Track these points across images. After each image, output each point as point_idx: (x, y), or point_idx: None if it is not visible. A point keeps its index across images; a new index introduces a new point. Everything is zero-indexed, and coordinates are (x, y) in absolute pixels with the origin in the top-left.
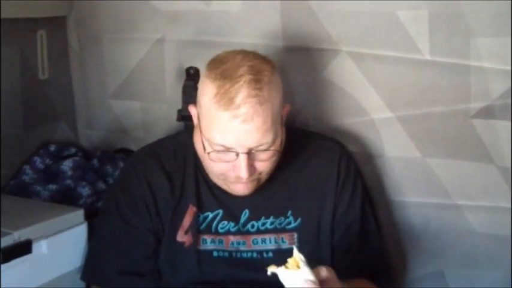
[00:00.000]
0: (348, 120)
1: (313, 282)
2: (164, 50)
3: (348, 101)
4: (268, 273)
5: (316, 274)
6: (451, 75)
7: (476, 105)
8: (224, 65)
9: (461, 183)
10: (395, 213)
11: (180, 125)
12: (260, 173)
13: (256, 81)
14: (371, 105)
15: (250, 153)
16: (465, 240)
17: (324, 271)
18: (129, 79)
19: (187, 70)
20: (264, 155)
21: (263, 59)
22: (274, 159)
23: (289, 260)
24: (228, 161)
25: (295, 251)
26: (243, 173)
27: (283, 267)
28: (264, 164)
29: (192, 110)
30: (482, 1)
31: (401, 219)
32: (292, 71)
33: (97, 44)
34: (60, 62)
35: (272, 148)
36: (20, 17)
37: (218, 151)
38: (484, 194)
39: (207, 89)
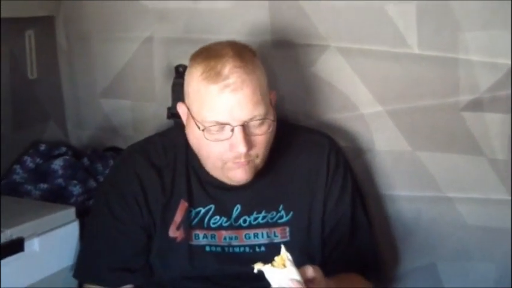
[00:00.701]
0: (338, 115)
1: (299, 281)
2: (153, 48)
3: (337, 95)
4: (255, 270)
5: (303, 273)
6: (440, 68)
7: (465, 98)
8: (207, 50)
9: (452, 176)
10: (386, 207)
11: (170, 122)
12: (257, 154)
13: (240, 56)
14: (360, 99)
15: (244, 127)
16: (457, 233)
17: (311, 270)
18: (119, 78)
19: (177, 68)
20: (258, 130)
21: (244, 45)
22: (268, 136)
23: (276, 259)
24: (224, 139)
25: (283, 250)
26: (241, 147)
27: (269, 265)
28: (260, 140)
29: (180, 107)
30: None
31: (393, 212)
32: (281, 66)
33: (86, 43)
34: (49, 61)
35: (266, 122)
36: (8, 17)
37: (213, 131)
38: (475, 186)
39: (193, 73)
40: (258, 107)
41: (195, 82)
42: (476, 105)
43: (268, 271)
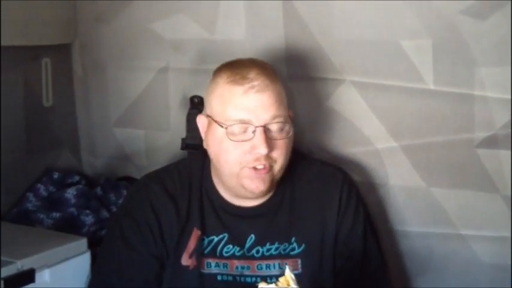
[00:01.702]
0: (352, 149)
1: None
2: (168, 78)
3: (352, 130)
4: None
5: None
6: (455, 104)
7: (480, 134)
8: (231, 62)
9: (466, 212)
10: (399, 243)
11: (184, 153)
12: (275, 160)
13: (263, 66)
14: (374, 134)
15: (266, 130)
16: (470, 270)
17: None
18: (133, 107)
19: (192, 99)
20: (278, 135)
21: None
22: (287, 142)
23: (281, 279)
24: (246, 140)
25: (287, 271)
26: (262, 148)
27: (273, 285)
28: (280, 144)
29: (199, 119)
30: (485, 30)
31: (405, 248)
32: (296, 99)
33: (101, 72)
34: (64, 89)
35: (285, 128)
36: (24, 45)
37: (235, 132)
38: (489, 223)
39: (218, 81)
40: (280, 111)
41: (219, 88)
42: (491, 142)
43: None
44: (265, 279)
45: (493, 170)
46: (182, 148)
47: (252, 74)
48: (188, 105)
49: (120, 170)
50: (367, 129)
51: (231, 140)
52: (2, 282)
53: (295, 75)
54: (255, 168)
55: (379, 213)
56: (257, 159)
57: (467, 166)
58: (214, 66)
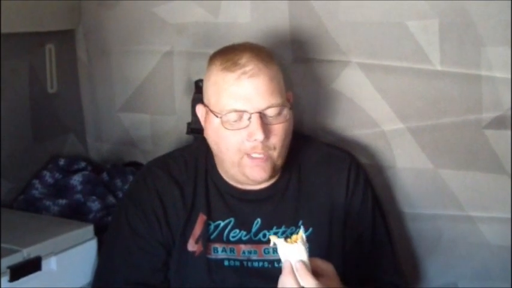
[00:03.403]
0: (358, 132)
1: (304, 262)
2: (173, 62)
3: (358, 112)
4: (271, 244)
5: (315, 264)
6: (462, 85)
7: (487, 115)
8: (225, 47)
9: (474, 194)
10: (407, 225)
11: (190, 137)
12: (274, 146)
13: (257, 49)
14: (381, 116)
15: (262, 116)
16: (478, 252)
17: (324, 264)
18: (138, 92)
19: (197, 83)
20: (275, 120)
21: (262, 46)
22: (285, 126)
23: (293, 236)
24: (242, 128)
25: (301, 230)
26: (259, 134)
27: (283, 239)
28: (277, 129)
29: (198, 109)
30: (492, 10)
31: (414, 231)
32: (301, 82)
33: (105, 57)
34: (69, 75)
35: (283, 112)
36: (28, 31)
37: (231, 121)
38: (497, 205)
39: (212, 67)
40: (275, 96)
41: (213, 75)
42: (499, 123)
43: (281, 245)
44: (272, 262)
45: (501, 151)
46: (188, 132)
47: (244, 59)
48: (193, 90)
49: (126, 156)
50: (374, 111)
51: (227, 128)
52: (9, 270)
53: (300, 58)
54: (253, 157)
55: (386, 196)
56: (254, 147)
57: (475, 147)
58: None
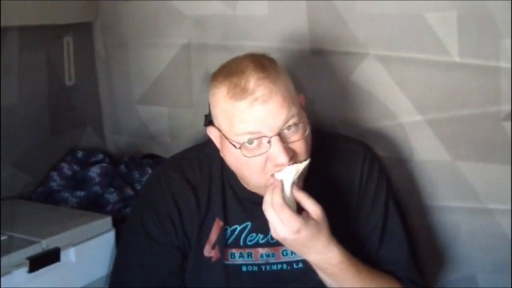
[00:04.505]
0: (376, 124)
1: (282, 184)
2: (190, 55)
3: (376, 104)
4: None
5: (301, 198)
6: (481, 77)
7: (506, 107)
8: (227, 67)
9: (493, 186)
10: (426, 218)
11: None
12: (298, 156)
13: (262, 66)
14: (399, 108)
15: (281, 136)
16: (497, 245)
17: (312, 205)
18: (156, 84)
19: None
20: (295, 136)
21: (262, 54)
22: (306, 141)
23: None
24: (262, 153)
25: (307, 162)
26: (282, 157)
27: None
28: (298, 146)
29: (210, 131)
30: (510, 1)
31: (432, 223)
32: (319, 74)
33: (123, 50)
34: (87, 67)
35: (300, 126)
36: (46, 24)
37: (249, 147)
38: None
39: (218, 94)
40: (291, 110)
41: (222, 102)
42: None
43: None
44: (291, 264)
45: None
46: (205, 125)
47: (252, 83)
48: (211, 82)
49: (144, 148)
50: (392, 103)
51: (247, 157)
52: (28, 261)
53: (318, 50)
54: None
55: (405, 189)
56: (278, 166)
57: (494, 139)
58: (237, 43)
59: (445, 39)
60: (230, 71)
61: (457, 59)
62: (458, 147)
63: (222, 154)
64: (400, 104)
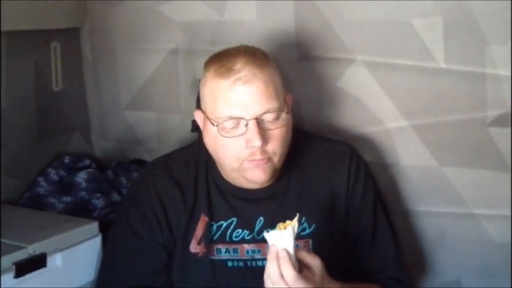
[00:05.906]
0: (363, 130)
1: (287, 250)
2: (178, 61)
3: (363, 110)
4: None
5: (301, 255)
6: (467, 83)
7: (492, 113)
8: (219, 52)
9: (478, 192)
10: (411, 223)
11: (195, 135)
12: (274, 152)
13: (252, 53)
14: (386, 114)
15: (259, 122)
16: (482, 250)
17: (310, 257)
18: (143, 89)
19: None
20: (273, 125)
21: (257, 47)
22: (284, 131)
23: (286, 222)
24: (239, 135)
25: (296, 218)
26: (256, 140)
27: (277, 228)
28: (275, 134)
29: (197, 114)
30: (495, 8)
31: (418, 228)
32: (306, 80)
33: (111, 55)
34: (74, 73)
35: (280, 117)
36: (33, 29)
37: (227, 128)
38: (501, 202)
39: (207, 75)
40: (271, 101)
41: (208, 82)
42: (503, 121)
43: (271, 232)
44: None
45: (505, 149)
46: (192, 130)
47: (239, 65)
48: (198, 87)
49: (132, 153)
50: (378, 109)
51: (224, 136)
52: (14, 267)
53: (305, 56)
54: (253, 160)
55: (390, 194)
56: (253, 154)
57: (480, 145)
58: (224, 48)
59: (431, 45)
60: (221, 55)
61: (443, 65)
62: (444, 152)
63: (203, 137)
64: (386, 109)
